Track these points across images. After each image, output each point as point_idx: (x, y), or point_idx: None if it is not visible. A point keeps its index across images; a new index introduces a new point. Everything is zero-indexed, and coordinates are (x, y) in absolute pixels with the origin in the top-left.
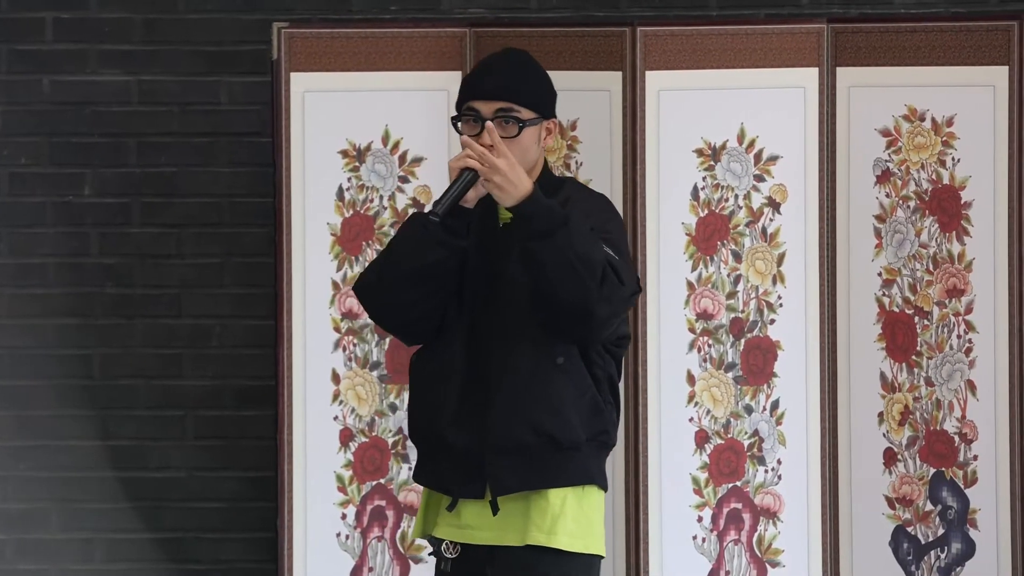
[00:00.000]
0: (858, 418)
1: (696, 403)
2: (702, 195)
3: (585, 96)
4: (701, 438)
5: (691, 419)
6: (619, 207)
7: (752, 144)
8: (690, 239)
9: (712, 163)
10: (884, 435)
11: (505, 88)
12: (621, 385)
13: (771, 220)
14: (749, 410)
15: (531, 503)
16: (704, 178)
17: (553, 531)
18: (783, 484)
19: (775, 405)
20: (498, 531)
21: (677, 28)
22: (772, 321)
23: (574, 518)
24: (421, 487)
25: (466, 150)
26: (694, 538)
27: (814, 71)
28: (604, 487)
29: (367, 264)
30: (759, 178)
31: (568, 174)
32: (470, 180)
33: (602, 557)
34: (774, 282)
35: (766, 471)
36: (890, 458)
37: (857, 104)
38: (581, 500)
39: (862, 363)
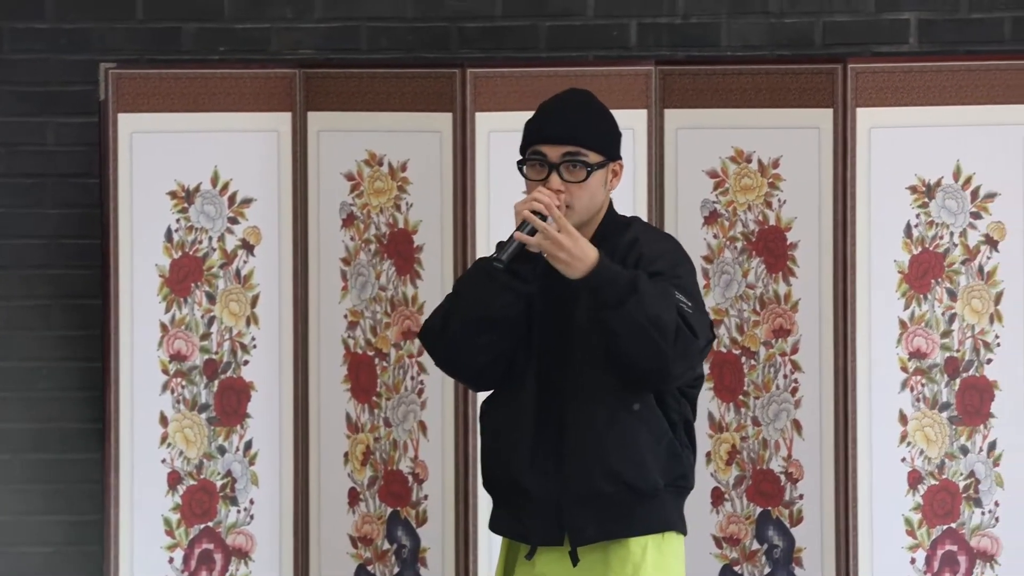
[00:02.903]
0: None
1: None
2: None
3: (416, 137)
4: None
5: None
6: (449, 249)
7: None
8: None
9: None
10: (712, 475)
11: (572, 132)
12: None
13: None
14: None
15: (611, 552)
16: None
17: None
18: None
19: None
20: None
21: (507, 70)
22: None
23: (655, 565)
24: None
25: (533, 194)
26: None
27: (643, 112)
28: (684, 532)
29: (432, 311)
30: None
31: (400, 215)
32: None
33: None
34: None
35: None
36: (717, 497)
37: (685, 146)
38: (661, 547)
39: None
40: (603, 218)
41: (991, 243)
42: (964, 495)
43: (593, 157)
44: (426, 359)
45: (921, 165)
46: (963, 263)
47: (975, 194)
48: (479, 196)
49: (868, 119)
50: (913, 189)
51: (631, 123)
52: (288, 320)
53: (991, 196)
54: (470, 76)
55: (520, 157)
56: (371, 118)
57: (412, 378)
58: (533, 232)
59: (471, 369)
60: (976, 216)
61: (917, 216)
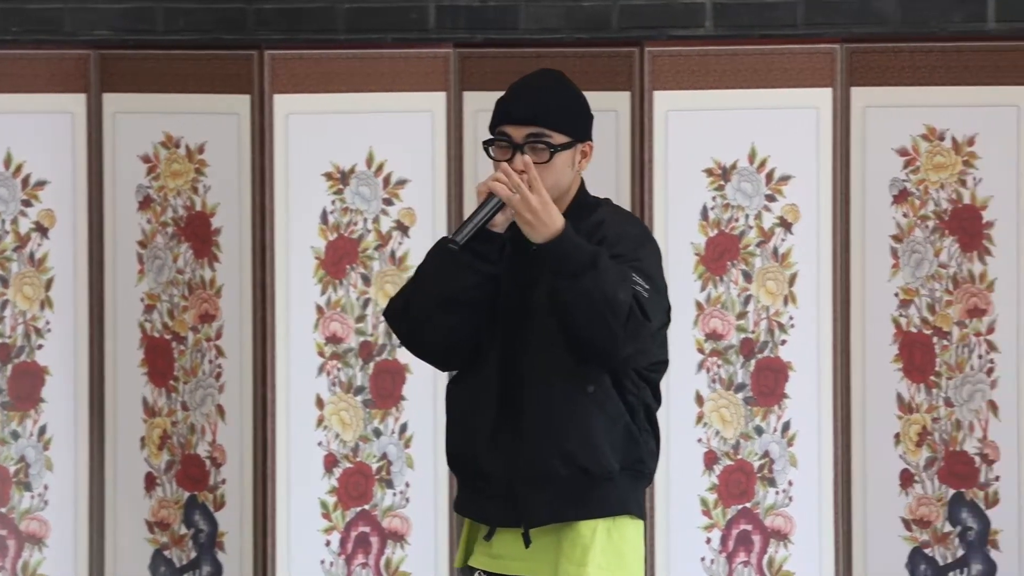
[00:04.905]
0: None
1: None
2: (331, 219)
3: (213, 119)
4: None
5: None
6: (248, 232)
7: (380, 168)
8: (319, 262)
9: (341, 187)
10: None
11: (536, 113)
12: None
13: (399, 244)
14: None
15: (563, 535)
16: (334, 202)
17: (583, 563)
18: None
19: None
20: (531, 562)
21: (306, 52)
22: None
23: (603, 550)
24: None
25: (495, 174)
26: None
27: (442, 95)
28: (640, 517)
29: (399, 289)
30: (388, 201)
31: (198, 198)
32: (497, 205)
33: None
34: None
35: None
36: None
37: (483, 128)
38: (611, 531)
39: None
40: (572, 199)
41: (785, 225)
42: (759, 475)
43: (558, 138)
44: (224, 342)
45: (717, 148)
46: (758, 245)
47: (770, 177)
48: (277, 178)
49: (665, 102)
50: (709, 172)
51: (430, 105)
52: (83, 303)
53: (785, 179)
54: (268, 58)
55: (488, 137)
56: (168, 100)
57: (210, 362)
58: (494, 212)
59: (435, 349)
60: (771, 199)
61: (713, 199)
